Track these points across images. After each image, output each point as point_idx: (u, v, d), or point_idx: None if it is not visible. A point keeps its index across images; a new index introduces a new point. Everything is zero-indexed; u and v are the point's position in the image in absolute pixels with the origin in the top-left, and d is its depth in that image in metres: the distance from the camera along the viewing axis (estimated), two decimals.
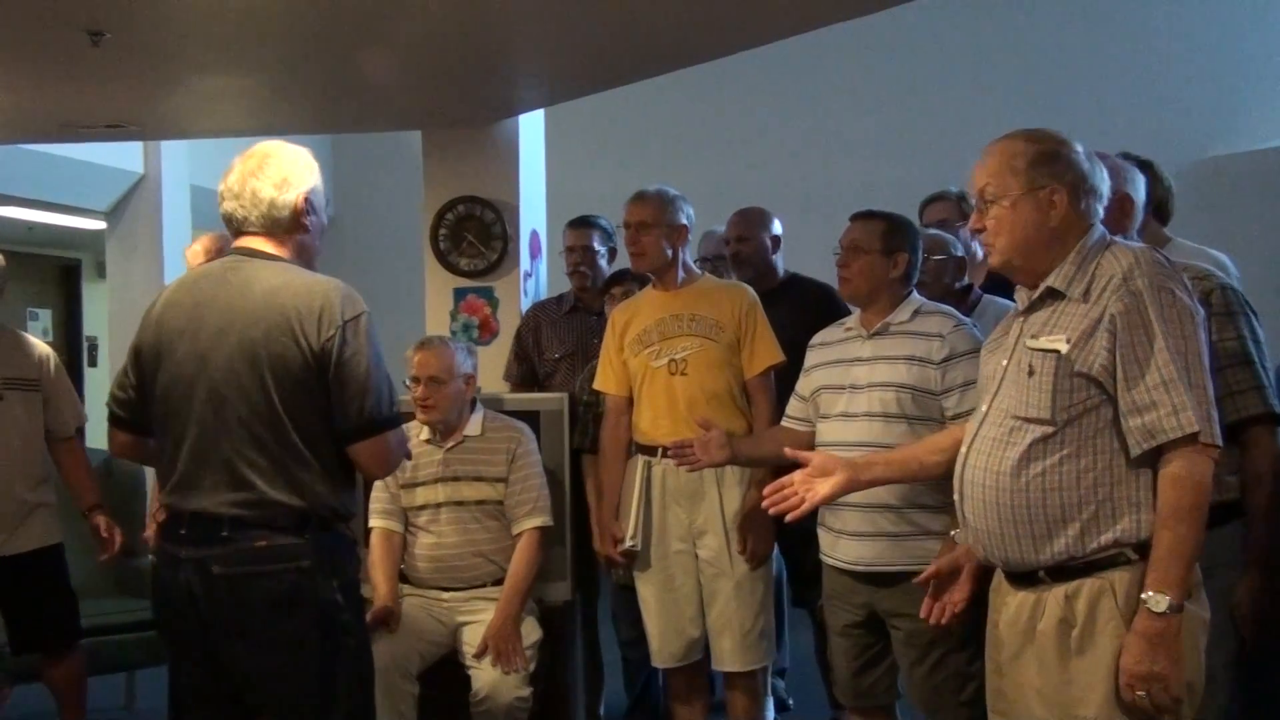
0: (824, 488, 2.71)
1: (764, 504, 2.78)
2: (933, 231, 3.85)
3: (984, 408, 2.47)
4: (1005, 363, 2.44)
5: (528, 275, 5.13)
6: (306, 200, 2.67)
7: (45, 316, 9.58)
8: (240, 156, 2.71)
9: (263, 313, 2.54)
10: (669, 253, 3.77)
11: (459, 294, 5.09)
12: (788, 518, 2.73)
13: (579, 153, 7.33)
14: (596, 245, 4.64)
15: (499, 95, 4.75)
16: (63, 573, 4.19)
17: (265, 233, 2.67)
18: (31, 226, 7.94)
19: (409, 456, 3.35)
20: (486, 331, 5.06)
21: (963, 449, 2.49)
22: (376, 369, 2.57)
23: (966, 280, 3.76)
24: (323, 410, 2.56)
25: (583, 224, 4.68)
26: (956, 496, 2.50)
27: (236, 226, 2.69)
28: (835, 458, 2.81)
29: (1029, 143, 2.42)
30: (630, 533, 3.74)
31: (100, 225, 7.51)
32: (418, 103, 4.78)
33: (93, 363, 9.80)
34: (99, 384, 8.86)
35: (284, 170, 2.66)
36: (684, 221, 3.80)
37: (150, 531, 4.27)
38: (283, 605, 2.53)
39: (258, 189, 2.65)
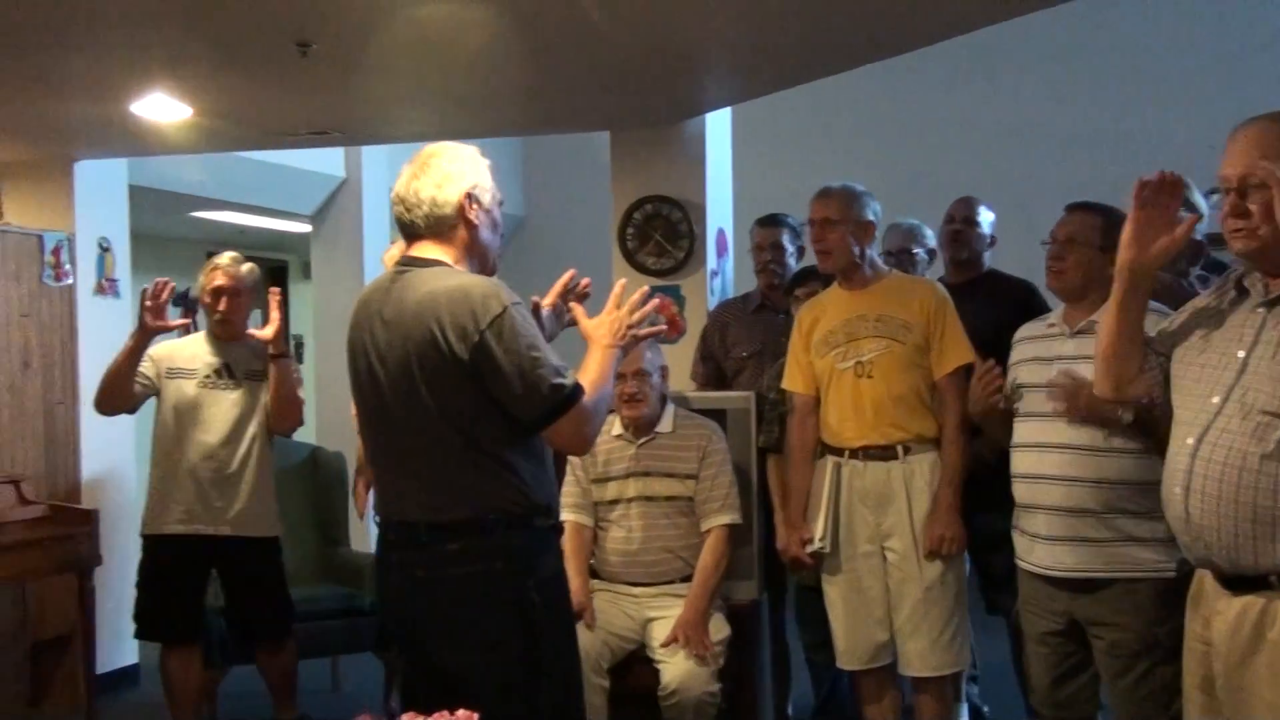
0: None
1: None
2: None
3: (1216, 399, 2.31)
4: (1243, 354, 2.30)
5: (714, 274, 5.14)
6: (468, 196, 2.65)
7: (255, 316, 10.02)
8: (408, 161, 2.72)
9: (413, 327, 2.56)
10: (855, 250, 3.70)
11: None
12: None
13: (766, 149, 7.31)
14: (785, 243, 4.62)
15: (687, 95, 4.77)
16: (280, 566, 4.44)
17: (431, 235, 2.67)
18: (243, 230, 8.31)
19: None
20: (674, 330, 5.07)
21: (1188, 441, 2.34)
22: (534, 356, 2.53)
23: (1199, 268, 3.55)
24: (493, 411, 2.56)
25: (772, 222, 4.66)
26: (1179, 489, 2.35)
27: (407, 232, 2.70)
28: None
29: None
30: (820, 535, 3.70)
31: (306, 228, 7.83)
32: (606, 104, 4.84)
33: (299, 360, 10.22)
34: (305, 380, 9.24)
35: (444, 169, 2.65)
36: (870, 218, 3.72)
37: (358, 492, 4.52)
38: (479, 606, 2.58)
39: (419, 190, 2.64)
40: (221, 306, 4.33)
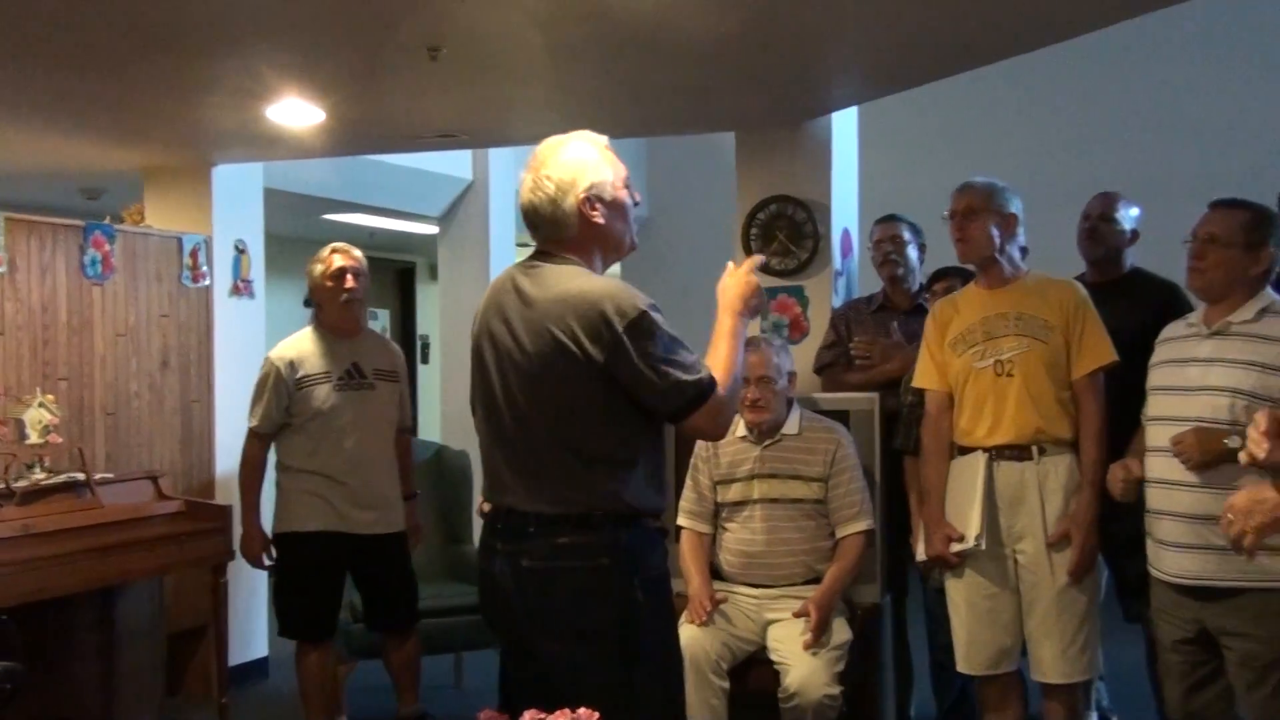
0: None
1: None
2: None
3: None
4: None
5: (839, 274, 5.09)
6: (585, 201, 2.61)
7: (384, 316, 10.26)
8: (527, 164, 2.68)
9: (546, 326, 2.56)
10: (996, 241, 3.60)
11: (770, 293, 5.10)
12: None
13: (893, 148, 7.21)
14: (906, 235, 4.57)
15: (812, 95, 4.73)
16: (408, 557, 4.53)
17: (558, 240, 2.66)
18: (373, 232, 8.50)
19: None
20: (797, 331, 5.04)
21: None
22: (671, 355, 2.54)
23: None
24: (619, 412, 2.57)
25: (891, 219, 4.66)
26: None
27: (535, 236, 2.71)
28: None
29: None
30: (975, 532, 3.55)
31: (433, 230, 7.96)
32: (731, 105, 4.82)
33: (424, 360, 10.42)
34: (431, 380, 9.41)
35: (556, 177, 2.61)
36: (1014, 210, 3.63)
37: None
38: (583, 600, 2.59)
39: (537, 205, 2.63)
40: (349, 284, 4.34)
